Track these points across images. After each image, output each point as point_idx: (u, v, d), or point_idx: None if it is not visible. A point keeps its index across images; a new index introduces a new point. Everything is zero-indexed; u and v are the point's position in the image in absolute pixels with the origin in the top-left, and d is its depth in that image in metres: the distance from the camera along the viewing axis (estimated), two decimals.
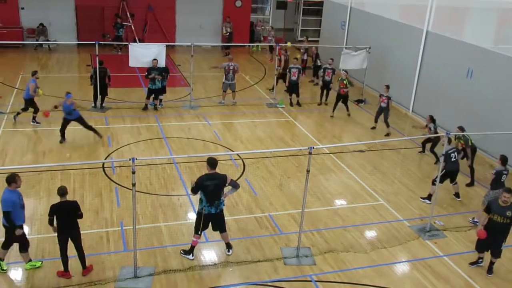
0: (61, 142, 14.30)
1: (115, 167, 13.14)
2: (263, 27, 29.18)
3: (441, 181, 12.01)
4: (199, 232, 9.45)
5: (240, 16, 27.92)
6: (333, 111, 18.23)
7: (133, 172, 8.46)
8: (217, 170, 9.28)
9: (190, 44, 18.30)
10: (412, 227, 11.34)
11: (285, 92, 19.53)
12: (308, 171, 9.45)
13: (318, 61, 21.84)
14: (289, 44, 22.04)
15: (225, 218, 9.77)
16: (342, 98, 18.03)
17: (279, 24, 31.75)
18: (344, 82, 17.84)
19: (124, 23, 24.94)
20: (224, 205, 9.50)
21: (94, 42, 16.97)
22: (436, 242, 10.81)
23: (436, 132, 14.33)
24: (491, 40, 16.33)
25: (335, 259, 9.98)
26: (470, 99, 15.87)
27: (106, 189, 12.02)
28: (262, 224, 11.05)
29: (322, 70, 19.32)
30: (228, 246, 9.88)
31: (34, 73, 15.39)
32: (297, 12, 32.12)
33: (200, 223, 9.35)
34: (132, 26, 25.11)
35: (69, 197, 8.88)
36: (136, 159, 8.43)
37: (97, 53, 16.69)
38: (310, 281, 9.35)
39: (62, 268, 8.88)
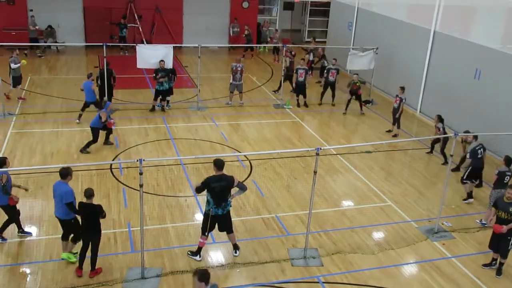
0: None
1: (122, 168, 13.19)
2: (269, 28, 29.17)
3: (469, 179, 12.27)
4: (206, 233, 9.46)
5: (247, 17, 27.93)
6: (346, 108, 18.39)
7: (141, 173, 8.48)
8: (224, 171, 9.28)
9: (197, 45, 18.33)
10: (420, 228, 11.29)
11: (292, 93, 19.54)
12: (315, 172, 9.43)
13: (325, 62, 21.81)
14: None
15: (232, 219, 9.78)
16: (355, 95, 18.14)
17: (286, 25, 31.73)
18: (357, 84, 17.93)
19: (128, 24, 25.02)
20: (231, 206, 9.51)
21: (102, 44, 17.05)
22: (444, 243, 10.75)
23: (445, 132, 14.28)
24: (499, 40, 16.22)
25: (343, 260, 9.96)
26: (478, 100, 15.77)
27: (114, 190, 12.06)
28: (269, 225, 11.04)
29: (326, 71, 19.32)
30: (235, 247, 9.88)
31: (90, 75, 15.89)
32: (304, 13, 32.09)
33: (207, 224, 9.36)
34: (140, 28, 25.20)
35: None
36: (143, 160, 8.46)
37: (105, 55, 16.76)
38: (318, 282, 9.33)
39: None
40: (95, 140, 14.00)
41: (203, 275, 6.47)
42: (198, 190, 9.22)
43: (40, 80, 20.38)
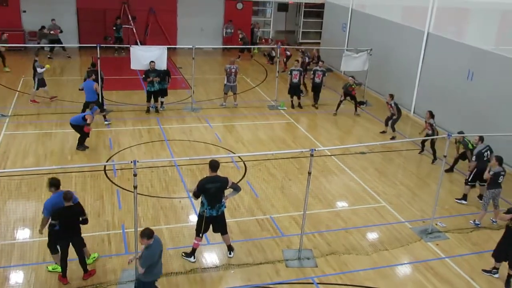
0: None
1: (116, 169, 13.14)
2: (260, 29, 29.23)
3: (474, 181, 12.32)
4: (201, 235, 9.46)
5: (241, 18, 27.94)
6: (337, 109, 18.47)
7: (135, 175, 8.45)
8: (219, 172, 9.28)
9: (191, 46, 18.32)
10: (414, 229, 11.32)
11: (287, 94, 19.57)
12: (309, 173, 9.44)
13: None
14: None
15: (227, 220, 9.78)
16: (350, 95, 18.19)
17: (280, 26, 31.78)
18: (353, 86, 18.03)
19: (123, 25, 24.97)
20: (225, 207, 9.51)
21: (95, 45, 17.00)
22: (438, 244, 10.79)
23: (434, 129, 14.44)
24: (492, 41, 16.32)
25: (337, 261, 9.97)
26: (471, 101, 15.86)
27: (108, 192, 12.02)
28: (263, 226, 11.04)
29: (312, 72, 19.29)
30: (230, 248, 9.88)
31: (91, 75, 15.96)
32: (298, 14, 32.13)
33: (201, 225, 9.36)
34: (134, 29, 25.14)
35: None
36: (137, 161, 8.43)
37: (98, 56, 16.71)
38: (312, 283, 9.34)
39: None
40: (84, 135, 14.04)
41: (142, 232, 7.53)
42: (195, 195, 9.21)
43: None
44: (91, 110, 14.11)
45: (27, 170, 11.99)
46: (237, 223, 11.02)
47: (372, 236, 11.08)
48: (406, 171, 14.39)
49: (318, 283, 9.33)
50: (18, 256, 9.32)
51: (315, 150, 9.34)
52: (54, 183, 8.75)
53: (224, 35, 27.86)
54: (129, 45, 18.65)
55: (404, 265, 10.11)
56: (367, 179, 13.64)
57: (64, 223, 8.55)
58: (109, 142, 14.85)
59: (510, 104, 14.39)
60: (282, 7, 31.07)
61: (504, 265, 9.67)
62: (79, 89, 15.92)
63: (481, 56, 15.57)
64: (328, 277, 9.50)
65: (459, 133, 13.20)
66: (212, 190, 9.11)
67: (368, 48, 19.55)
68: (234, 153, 14.51)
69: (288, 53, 21.44)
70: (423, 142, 15.38)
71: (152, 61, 16.77)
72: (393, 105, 16.26)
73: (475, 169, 12.28)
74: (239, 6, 28.22)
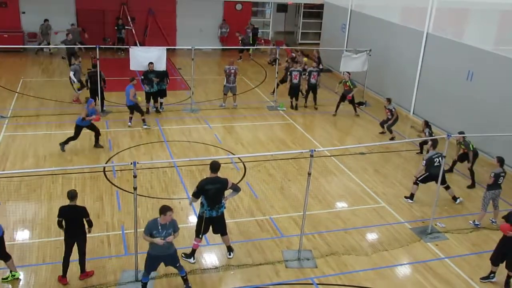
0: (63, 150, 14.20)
1: (116, 170, 13.14)
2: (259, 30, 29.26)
3: (424, 182, 12.38)
4: (200, 236, 9.46)
5: (241, 19, 27.94)
6: (336, 110, 18.41)
7: (135, 176, 8.46)
8: (218, 173, 9.28)
9: (190, 47, 18.32)
10: (414, 229, 11.33)
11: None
12: (309, 174, 9.44)
13: (321, 65, 21.80)
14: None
15: (226, 221, 9.78)
16: (348, 101, 18.19)
17: (280, 27, 31.79)
18: (348, 83, 17.95)
19: (125, 26, 24.98)
20: (225, 208, 9.51)
21: (95, 46, 16.99)
22: (437, 244, 10.79)
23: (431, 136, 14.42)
24: (492, 41, 16.32)
25: (337, 262, 9.97)
26: (471, 101, 15.86)
27: (107, 193, 12.02)
28: (263, 227, 11.04)
29: (307, 73, 19.16)
30: (229, 249, 9.88)
31: (132, 79, 15.83)
32: (297, 15, 32.14)
33: (201, 226, 9.36)
34: (133, 30, 25.14)
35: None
36: (137, 162, 8.44)
37: (97, 57, 16.71)
38: (312, 284, 9.34)
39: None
40: (74, 137, 14.05)
41: (161, 209, 8.25)
42: (195, 195, 9.21)
43: (33, 82, 20.29)
44: (87, 103, 14.24)
45: (26, 172, 12.00)
46: (236, 224, 11.01)
47: (371, 236, 11.08)
48: (406, 172, 14.38)
49: (318, 284, 9.32)
50: (17, 257, 9.30)
51: (315, 150, 9.34)
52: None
53: (219, 35, 27.83)
54: (128, 46, 18.63)
55: (404, 265, 10.11)
56: (367, 179, 13.64)
57: (70, 222, 8.59)
58: (109, 143, 14.84)
59: (510, 104, 14.40)
60: (281, 8, 31.08)
61: (502, 267, 9.63)
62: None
63: (480, 56, 15.57)
64: (328, 278, 9.50)
65: (459, 133, 13.18)
66: (212, 191, 9.11)
67: (368, 48, 19.56)
68: (234, 154, 14.51)
69: (294, 54, 21.40)
70: (421, 144, 15.38)
71: (150, 63, 16.78)
72: (393, 109, 16.15)
73: (427, 174, 12.19)
74: (238, 7, 28.22)
